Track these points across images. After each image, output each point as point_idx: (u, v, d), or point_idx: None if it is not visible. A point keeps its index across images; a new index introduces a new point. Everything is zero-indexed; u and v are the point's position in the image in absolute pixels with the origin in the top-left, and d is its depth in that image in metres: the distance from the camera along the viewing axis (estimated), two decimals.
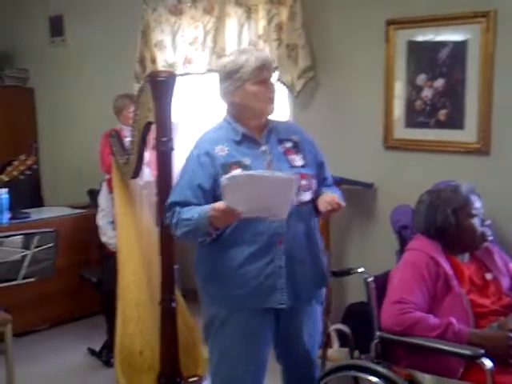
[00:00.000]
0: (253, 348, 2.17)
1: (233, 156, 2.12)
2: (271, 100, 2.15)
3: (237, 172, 2.02)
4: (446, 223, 2.35)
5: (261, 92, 2.12)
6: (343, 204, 2.11)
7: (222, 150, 2.13)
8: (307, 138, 2.29)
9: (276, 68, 2.19)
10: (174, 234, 2.18)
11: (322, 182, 2.27)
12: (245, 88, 2.12)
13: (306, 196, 2.15)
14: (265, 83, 2.13)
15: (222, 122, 2.25)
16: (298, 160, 2.19)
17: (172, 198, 2.17)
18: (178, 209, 2.10)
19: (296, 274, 2.13)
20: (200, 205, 2.07)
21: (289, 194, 1.94)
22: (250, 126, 2.18)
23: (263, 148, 2.16)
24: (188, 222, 2.05)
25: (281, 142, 2.20)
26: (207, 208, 2.01)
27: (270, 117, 2.23)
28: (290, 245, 2.11)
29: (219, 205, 1.96)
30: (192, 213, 2.05)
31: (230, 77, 2.13)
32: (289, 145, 2.21)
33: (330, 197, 2.12)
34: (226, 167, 2.08)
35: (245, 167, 2.08)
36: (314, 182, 2.19)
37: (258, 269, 2.09)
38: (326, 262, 2.30)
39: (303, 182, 2.13)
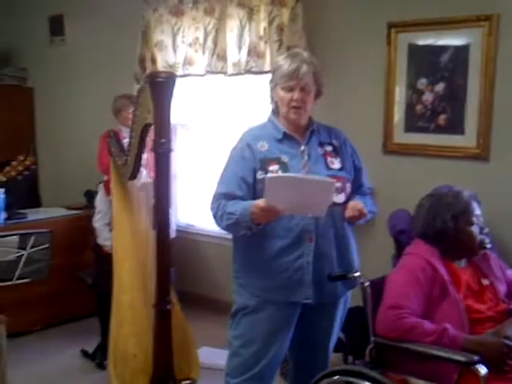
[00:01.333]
0: (274, 339, 2.27)
1: (272, 152, 2.23)
2: (294, 108, 2.22)
3: (275, 168, 2.17)
4: (444, 228, 2.33)
5: (286, 98, 2.23)
6: (365, 212, 2.20)
7: (262, 146, 2.25)
8: (348, 143, 2.39)
9: (315, 76, 2.24)
10: (217, 225, 2.28)
11: (357, 188, 2.37)
12: (276, 90, 2.27)
13: (339, 198, 2.23)
14: (291, 91, 2.21)
15: (266, 121, 2.36)
16: (335, 163, 2.28)
17: (219, 189, 2.27)
18: (223, 202, 2.21)
19: (323, 272, 2.22)
20: (244, 197, 2.20)
21: (328, 195, 2.05)
22: (291, 125, 2.27)
23: (302, 148, 2.26)
24: (232, 215, 2.17)
25: (321, 144, 2.31)
26: (250, 204, 2.13)
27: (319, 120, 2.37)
28: (319, 243, 2.20)
29: (260, 202, 2.08)
30: (236, 207, 2.16)
31: (271, 76, 2.30)
32: (329, 148, 2.31)
33: (355, 204, 2.21)
34: (265, 162, 2.20)
35: (283, 164, 2.20)
36: (348, 186, 2.28)
37: (287, 262, 2.20)
38: (358, 265, 2.36)
39: (338, 184, 2.20)
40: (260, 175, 2.20)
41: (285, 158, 2.22)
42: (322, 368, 2.31)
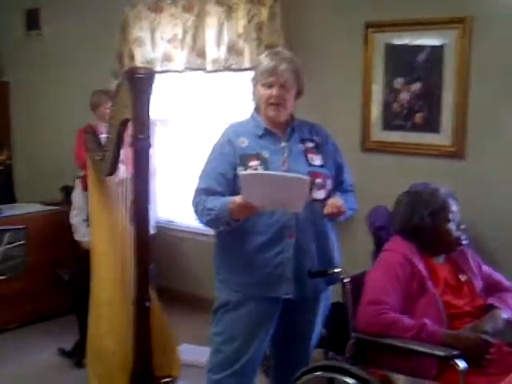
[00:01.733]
0: (255, 336, 2.29)
1: (253, 148, 2.25)
2: (273, 105, 2.24)
3: (255, 163, 2.19)
4: (421, 224, 2.37)
5: (265, 95, 2.25)
6: (344, 210, 2.21)
7: (242, 142, 2.27)
8: (330, 140, 2.40)
9: (296, 74, 2.26)
10: (198, 220, 2.30)
11: (339, 185, 2.38)
12: (257, 88, 2.29)
13: (320, 194, 2.25)
14: (271, 88, 2.22)
15: (249, 117, 2.38)
16: (316, 160, 2.30)
17: (199, 184, 2.30)
18: (203, 197, 2.24)
19: (304, 267, 2.24)
20: (223, 192, 2.22)
21: (303, 192, 2.06)
22: (271, 123, 2.29)
23: (283, 144, 2.28)
24: (211, 211, 2.19)
25: (303, 141, 2.32)
26: (228, 200, 2.15)
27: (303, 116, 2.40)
28: (299, 238, 2.22)
29: (237, 198, 2.11)
30: (215, 203, 2.19)
31: (253, 73, 2.32)
32: (310, 145, 2.33)
33: (334, 201, 2.22)
34: (245, 158, 2.23)
35: (263, 160, 2.22)
36: (329, 182, 2.29)
37: (267, 258, 2.22)
38: (338, 261, 2.38)
39: (318, 181, 2.23)
40: (240, 171, 2.21)
41: (265, 154, 2.24)
42: (303, 364, 2.33)
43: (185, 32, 3.94)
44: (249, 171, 2.17)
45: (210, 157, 2.33)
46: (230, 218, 2.15)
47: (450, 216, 2.38)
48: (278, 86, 2.22)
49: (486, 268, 2.52)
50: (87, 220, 3.43)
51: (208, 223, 2.26)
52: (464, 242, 2.42)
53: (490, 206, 3.08)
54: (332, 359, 2.45)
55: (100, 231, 3.12)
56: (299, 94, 2.32)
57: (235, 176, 2.22)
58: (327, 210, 2.20)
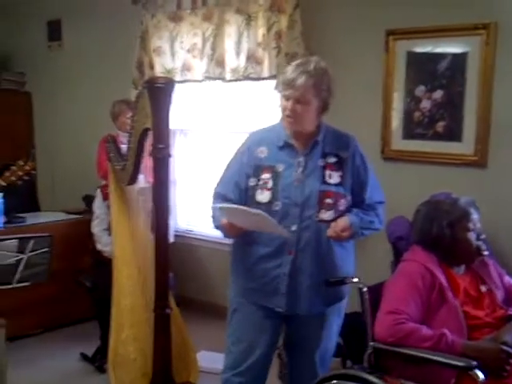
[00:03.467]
0: (258, 339, 2.32)
1: (269, 160, 2.24)
2: (288, 118, 2.21)
3: (266, 176, 2.21)
4: (441, 235, 2.35)
5: (282, 107, 2.22)
6: (344, 235, 2.19)
7: (261, 152, 2.26)
8: (359, 155, 2.31)
9: (316, 89, 2.19)
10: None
11: (359, 203, 2.31)
12: (279, 98, 2.25)
13: (328, 215, 2.20)
14: (288, 100, 2.19)
15: (275, 124, 2.36)
16: (334, 177, 2.24)
17: (217, 187, 2.36)
18: (217, 202, 2.29)
19: (300, 286, 2.24)
20: (236, 200, 2.26)
21: (270, 224, 2.10)
22: (296, 134, 2.25)
23: (300, 159, 2.23)
24: (214, 221, 2.29)
25: (325, 155, 2.26)
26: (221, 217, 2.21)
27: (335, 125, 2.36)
28: (298, 256, 2.22)
29: (223, 219, 2.19)
30: (217, 214, 2.26)
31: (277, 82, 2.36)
32: (332, 160, 2.25)
33: (337, 224, 2.18)
34: (259, 169, 2.24)
35: (276, 174, 2.22)
36: (342, 202, 2.23)
37: (266, 269, 2.25)
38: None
39: (327, 201, 2.20)
40: (251, 182, 2.24)
41: (280, 167, 2.22)
42: (309, 376, 2.34)
43: (204, 41, 3.97)
44: (220, 204, 2.22)
45: (231, 163, 2.36)
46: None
47: (470, 225, 2.36)
48: (293, 99, 2.18)
49: (508, 279, 2.48)
50: (108, 229, 3.47)
51: (216, 229, 2.33)
52: (485, 253, 2.39)
53: None
54: (350, 368, 2.43)
55: (121, 239, 3.16)
56: (324, 109, 2.24)
57: (248, 186, 2.25)
58: (329, 232, 2.19)
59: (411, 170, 3.36)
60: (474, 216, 2.39)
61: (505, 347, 2.09)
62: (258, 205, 2.20)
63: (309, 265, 2.23)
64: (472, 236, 2.36)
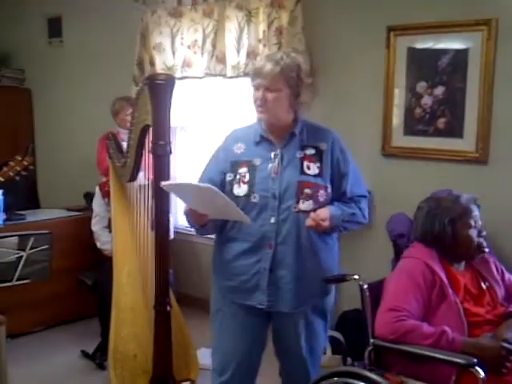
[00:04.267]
0: (243, 340, 2.29)
1: (246, 155, 2.24)
2: (260, 108, 2.18)
3: (243, 170, 2.20)
4: (442, 232, 2.34)
5: (254, 98, 2.21)
6: (324, 225, 2.13)
7: (239, 148, 2.27)
8: (338, 147, 2.28)
9: (285, 76, 2.15)
10: None
11: (340, 195, 2.27)
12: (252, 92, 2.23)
13: (307, 205, 2.17)
14: (257, 91, 2.18)
15: (256, 121, 2.33)
16: (312, 168, 2.21)
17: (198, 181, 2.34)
18: None
19: (281, 279, 2.21)
20: None
21: (219, 201, 2.05)
22: (272, 128, 2.24)
23: (276, 152, 2.22)
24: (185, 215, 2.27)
25: (303, 147, 2.24)
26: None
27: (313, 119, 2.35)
28: (278, 250, 2.19)
29: (186, 206, 2.19)
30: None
31: None
32: (310, 152, 2.23)
33: (317, 214, 2.14)
34: (236, 165, 2.23)
35: (252, 167, 2.20)
36: (321, 193, 2.20)
37: (245, 265, 2.22)
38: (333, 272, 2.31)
39: (306, 191, 2.17)
40: (229, 177, 2.24)
41: (257, 161, 2.21)
42: (302, 375, 2.33)
43: (205, 37, 3.95)
44: (167, 182, 2.22)
45: (209, 159, 2.37)
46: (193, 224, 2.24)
47: (472, 222, 2.35)
48: (263, 88, 2.15)
49: (508, 276, 2.47)
50: (108, 227, 3.46)
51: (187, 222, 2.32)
52: (486, 250, 2.38)
53: None
54: (350, 365, 2.43)
55: (121, 236, 3.15)
56: (297, 96, 2.20)
57: (224, 183, 2.25)
58: (307, 222, 2.14)
59: (412, 167, 3.36)
60: (475, 213, 2.38)
61: (505, 344, 2.09)
62: (236, 198, 2.18)
63: (290, 258, 2.19)
64: (473, 233, 2.35)
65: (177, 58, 4.16)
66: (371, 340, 2.24)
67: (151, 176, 2.70)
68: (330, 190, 2.23)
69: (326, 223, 2.14)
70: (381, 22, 3.36)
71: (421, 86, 3.30)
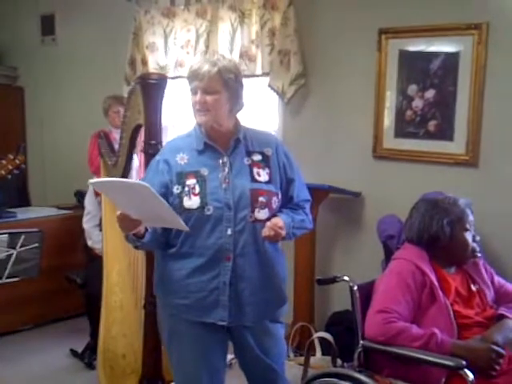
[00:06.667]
0: (203, 357, 2.15)
1: (192, 165, 2.10)
2: (199, 112, 2.09)
3: (192, 181, 2.05)
4: (440, 233, 2.35)
5: (192, 101, 2.11)
6: (282, 234, 2.04)
7: (182, 159, 2.12)
8: (282, 151, 2.21)
9: (222, 78, 2.07)
10: None
11: (288, 201, 2.21)
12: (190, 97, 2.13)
13: (262, 214, 2.09)
14: (195, 94, 2.08)
15: (192, 129, 2.20)
16: (262, 175, 2.13)
17: None
18: None
19: (242, 293, 2.10)
20: None
21: (154, 202, 1.89)
22: (213, 132, 2.13)
23: (224, 160, 2.11)
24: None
25: (249, 153, 2.15)
26: None
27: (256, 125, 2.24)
28: (238, 262, 2.08)
29: (117, 211, 1.97)
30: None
31: None
32: (257, 158, 2.15)
33: (274, 222, 2.04)
34: (182, 176, 2.09)
35: (201, 177, 2.08)
36: (274, 200, 2.13)
37: (202, 282, 2.09)
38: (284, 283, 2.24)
39: (261, 199, 2.08)
40: (176, 189, 2.08)
41: (204, 171, 2.09)
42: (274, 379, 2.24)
43: (198, 38, 3.95)
44: (95, 179, 2.03)
45: (146, 173, 2.22)
46: (130, 237, 2.06)
47: (468, 226, 2.37)
48: (201, 90, 2.06)
49: (498, 279, 2.50)
50: (99, 225, 3.46)
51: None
52: (478, 255, 2.40)
53: (503, 215, 3.04)
54: (340, 367, 2.44)
55: (112, 235, 3.15)
56: (235, 99, 2.12)
57: (167, 195, 2.07)
58: (265, 232, 2.03)
59: (403, 169, 3.37)
60: (471, 218, 2.41)
61: (495, 347, 2.10)
62: (189, 212, 2.05)
63: (250, 270, 2.09)
64: (469, 237, 2.37)
65: (169, 58, 4.16)
66: (361, 341, 2.25)
67: (142, 175, 2.70)
68: (280, 196, 2.16)
69: (284, 231, 2.05)
70: (373, 24, 3.37)
71: (412, 89, 3.31)
